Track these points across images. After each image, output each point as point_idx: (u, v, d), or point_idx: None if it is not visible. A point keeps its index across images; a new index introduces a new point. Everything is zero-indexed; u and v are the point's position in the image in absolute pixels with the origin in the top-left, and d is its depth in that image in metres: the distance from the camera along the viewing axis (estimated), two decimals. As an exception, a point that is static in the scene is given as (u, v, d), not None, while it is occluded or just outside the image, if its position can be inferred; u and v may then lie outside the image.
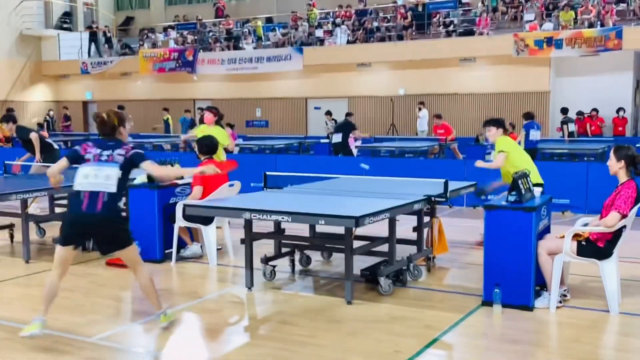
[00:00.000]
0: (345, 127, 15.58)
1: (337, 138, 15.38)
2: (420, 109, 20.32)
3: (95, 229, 4.92)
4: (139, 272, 5.17)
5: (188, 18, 27.17)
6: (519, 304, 5.69)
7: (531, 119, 14.26)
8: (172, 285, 6.99)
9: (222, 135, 9.21)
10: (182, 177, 7.51)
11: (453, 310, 5.76)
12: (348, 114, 16.48)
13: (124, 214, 5.28)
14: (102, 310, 5.91)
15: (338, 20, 23.05)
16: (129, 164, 4.99)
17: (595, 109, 19.41)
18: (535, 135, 13.89)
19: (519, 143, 14.15)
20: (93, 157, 4.94)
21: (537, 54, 18.79)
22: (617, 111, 18.73)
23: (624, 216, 5.51)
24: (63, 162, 5.11)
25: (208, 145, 7.76)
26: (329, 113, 20.20)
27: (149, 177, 7.80)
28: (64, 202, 9.01)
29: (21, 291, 6.58)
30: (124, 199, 6.55)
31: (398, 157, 15.26)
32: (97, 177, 4.87)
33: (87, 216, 4.84)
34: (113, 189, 4.86)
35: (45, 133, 21.39)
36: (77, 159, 5.03)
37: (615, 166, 5.69)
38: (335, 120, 20.18)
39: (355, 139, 15.82)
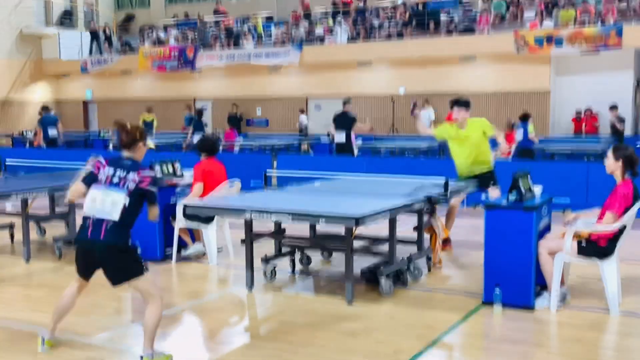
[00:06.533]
0: (348, 123, 13.51)
1: (340, 137, 13.49)
2: (424, 107, 20.38)
3: (100, 258, 4.55)
4: (151, 307, 4.60)
5: (189, 16, 27.15)
6: (519, 304, 5.69)
7: (521, 120, 14.23)
8: (173, 285, 6.99)
9: None
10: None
11: (453, 311, 5.76)
12: (345, 102, 13.91)
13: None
14: (102, 310, 5.92)
15: (338, 19, 23.05)
16: (142, 196, 4.60)
17: (589, 109, 19.42)
18: (518, 135, 13.92)
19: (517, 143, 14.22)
20: (105, 179, 4.56)
21: (537, 51, 18.78)
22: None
23: (619, 216, 5.51)
24: (81, 188, 4.66)
25: (211, 146, 7.84)
26: (302, 111, 21.31)
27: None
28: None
29: (21, 291, 6.59)
30: None
31: (398, 156, 15.25)
32: (103, 202, 4.50)
33: (91, 243, 4.51)
34: (116, 217, 4.46)
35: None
36: (93, 181, 4.63)
37: (613, 166, 5.68)
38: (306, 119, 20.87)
39: (357, 136, 14.36)
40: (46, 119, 16.86)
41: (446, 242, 8.15)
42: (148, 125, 20.90)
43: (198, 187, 7.39)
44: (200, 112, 19.04)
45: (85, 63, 25.97)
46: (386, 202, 6.11)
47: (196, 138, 13.45)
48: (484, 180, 7.88)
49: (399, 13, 21.79)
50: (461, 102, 7.90)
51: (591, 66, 19.47)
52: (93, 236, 4.49)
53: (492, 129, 8.00)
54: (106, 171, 4.59)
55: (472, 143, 7.86)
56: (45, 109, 17.50)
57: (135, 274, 4.58)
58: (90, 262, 4.65)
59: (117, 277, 4.63)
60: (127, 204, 4.52)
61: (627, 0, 19.56)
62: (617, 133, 15.52)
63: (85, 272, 4.74)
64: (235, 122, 22.02)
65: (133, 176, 4.54)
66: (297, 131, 22.57)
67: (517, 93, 20.36)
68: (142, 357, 4.53)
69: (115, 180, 4.54)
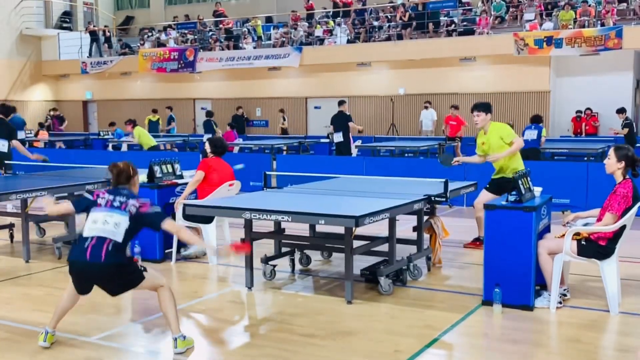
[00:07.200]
0: (344, 123, 14.35)
1: (338, 137, 14.37)
2: (427, 108, 20.41)
3: (100, 278, 4.70)
4: (162, 294, 4.85)
5: (188, 17, 27.17)
6: (519, 303, 5.69)
7: (532, 122, 14.24)
8: (172, 285, 6.97)
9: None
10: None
11: (453, 310, 5.76)
12: (340, 102, 15.04)
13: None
14: (102, 310, 5.91)
15: (338, 20, 23.06)
16: (141, 220, 4.75)
17: (589, 108, 19.43)
18: (529, 135, 13.90)
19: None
20: (105, 203, 4.73)
21: (537, 53, 18.78)
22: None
23: (618, 216, 5.52)
24: (66, 207, 4.99)
25: (220, 146, 7.96)
26: (282, 110, 22.36)
27: (149, 177, 7.82)
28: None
29: (21, 291, 6.59)
30: None
31: (398, 156, 15.24)
32: (106, 223, 4.65)
33: (90, 265, 4.61)
34: (119, 238, 4.64)
35: (45, 133, 21.52)
36: (86, 208, 4.81)
37: (614, 166, 5.68)
38: (284, 118, 22.04)
39: (354, 137, 15.10)
40: (15, 121, 16.48)
41: (479, 240, 8.10)
42: (154, 125, 21.20)
43: (199, 174, 7.54)
44: (210, 113, 19.20)
45: (85, 64, 25.98)
46: (386, 202, 6.12)
47: (205, 138, 13.55)
48: (504, 186, 7.43)
49: (399, 14, 21.81)
50: (478, 106, 7.86)
51: (591, 67, 19.48)
52: (93, 259, 4.59)
53: (509, 136, 7.76)
54: (106, 197, 4.78)
55: (490, 147, 7.84)
56: (12, 110, 17.19)
57: (137, 283, 4.79)
58: (88, 280, 4.78)
59: (120, 290, 4.87)
60: (127, 228, 4.70)
61: (627, 2, 19.58)
62: (627, 136, 15.34)
63: (83, 290, 4.86)
64: (240, 123, 22.08)
65: (134, 202, 4.75)
66: (299, 132, 22.60)
67: (516, 94, 20.36)
68: (175, 339, 4.80)
69: (117, 204, 4.72)
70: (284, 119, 22.45)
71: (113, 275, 4.68)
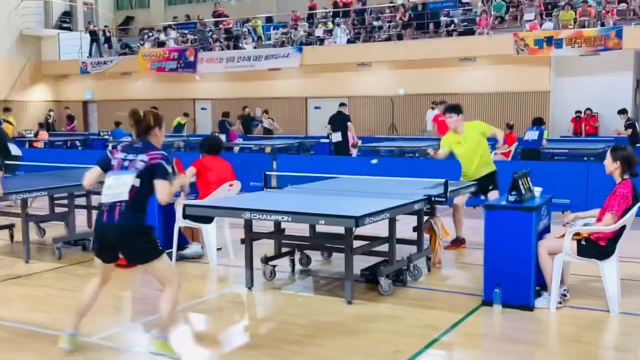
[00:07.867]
0: (343, 122, 14.62)
1: (337, 137, 14.54)
2: (433, 108, 20.39)
3: (116, 240, 4.58)
4: (167, 291, 4.65)
5: (188, 17, 27.16)
6: (519, 303, 5.69)
7: (533, 123, 14.30)
8: (172, 285, 6.98)
9: None
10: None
11: (453, 310, 5.76)
12: (341, 104, 15.47)
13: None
14: (102, 310, 5.90)
15: (338, 20, 23.07)
16: (149, 173, 4.51)
17: (589, 109, 19.42)
18: (529, 135, 13.99)
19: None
20: (117, 164, 4.59)
21: (537, 53, 18.78)
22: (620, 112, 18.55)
23: (618, 216, 5.52)
24: (95, 171, 4.72)
25: (215, 145, 7.99)
26: (266, 111, 22.12)
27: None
28: (64, 202, 8.99)
29: (21, 291, 6.58)
30: None
31: (398, 157, 15.24)
32: (116, 186, 4.52)
33: (107, 227, 4.56)
34: (126, 196, 4.48)
35: (45, 133, 21.53)
36: (107, 164, 4.65)
37: (611, 166, 5.69)
38: (272, 119, 21.83)
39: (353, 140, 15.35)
40: None
41: (459, 241, 8.16)
42: (180, 127, 21.45)
43: (190, 169, 7.53)
44: (226, 114, 19.27)
45: (84, 64, 25.99)
46: (386, 202, 6.12)
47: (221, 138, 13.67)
48: (485, 182, 7.91)
49: (399, 14, 21.81)
50: (450, 109, 8.05)
51: (591, 67, 19.47)
52: (108, 220, 4.54)
53: (490, 128, 8.09)
54: (118, 156, 4.63)
55: (469, 146, 7.92)
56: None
57: (151, 257, 4.59)
58: (107, 245, 4.66)
59: (133, 258, 4.71)
60: (137, 185, 4.51)
61: (627, 2, 19.58)
62: (630, 136, 15.29)
63: (101, 255, 4.73)
64: (247, 122, 22.06)
65: (142, 157, 4.53)
66: (299, 132, 22.58)
67: (516, 94, 20.36)
68: (157, 337, 4.65)
69: (126, 164, 4.56)
70: (272, 120, 22.33)
71: (129, 236, 4.54)
